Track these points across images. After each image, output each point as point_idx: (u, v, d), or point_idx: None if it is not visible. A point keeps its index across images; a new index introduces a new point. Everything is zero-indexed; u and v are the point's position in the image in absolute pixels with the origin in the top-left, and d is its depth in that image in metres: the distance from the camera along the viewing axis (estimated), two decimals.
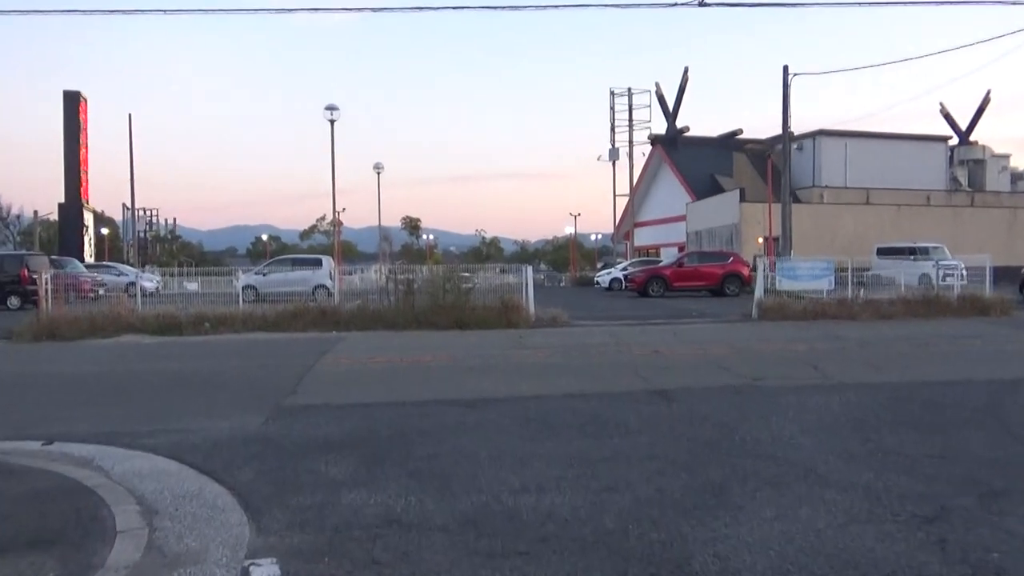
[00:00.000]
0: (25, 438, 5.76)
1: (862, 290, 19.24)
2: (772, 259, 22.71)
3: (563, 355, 10.87)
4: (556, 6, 14.06)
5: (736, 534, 3.61)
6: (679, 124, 51.66)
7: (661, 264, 32.91)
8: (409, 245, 78.82)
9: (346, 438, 5.73)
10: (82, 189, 42.04)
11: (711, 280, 27.28)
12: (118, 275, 29.73)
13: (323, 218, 75.82)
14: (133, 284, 20.97)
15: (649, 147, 53.67)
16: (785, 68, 27.78)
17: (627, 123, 52.07)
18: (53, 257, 27.49)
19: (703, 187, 47.55)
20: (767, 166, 38.24)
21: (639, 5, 13.89)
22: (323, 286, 22.14)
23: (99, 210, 55.36)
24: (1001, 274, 21.43)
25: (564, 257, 76.64)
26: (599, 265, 53.49)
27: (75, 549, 3.46)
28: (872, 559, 3.30)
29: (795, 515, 3.87)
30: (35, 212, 57.73)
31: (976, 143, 52.25)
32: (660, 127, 52.40)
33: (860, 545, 3.45)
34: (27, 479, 4.59)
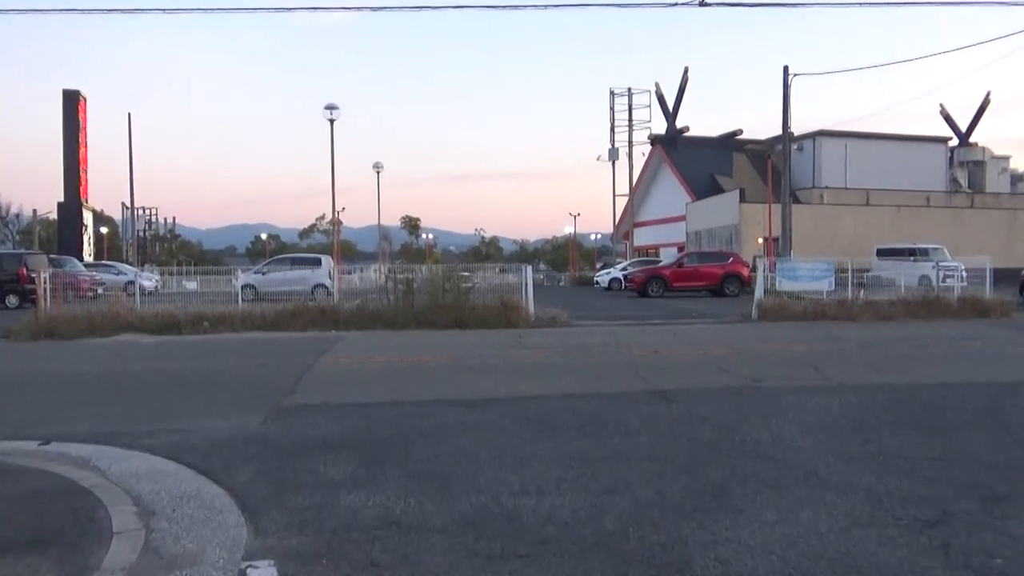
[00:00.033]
0: (23, 438, 5.74)
1: (862, 291, 19.19)
2: (772, 260, 22.70)
3: (563, 355, 10.86)
4: (556, 6, 14.06)
5: (737, 537, 3.59)
6: (679, 124, 51.64)
7: (661, 264, 32.89)
8: (408, 244, 78.84)
9: (345, 438, 5.70)
10: (81, 188, 42.06)
11: (711, 280, 27.27)
12: (117, 274, 29.76)
13: (322, 217, 76.08)
14: (132, 283, 20.90)
15: (649, 147, 53.68)
16: (785, 68, 27.78)
17: (627, 123, 52.14)
18: (52, 256, 27.45)
19: (703, 187, 47.54)
20: (767, 166, 38.25)
21: (639, 5, 13.89)
22: (322, 285, 22.11)
23: (98, 209, 55.45)
24: (1001, 276, 21.39)
25: (564, 257, 76.65)
26: (598, 265, 53.48)
27: (72, 550, 3.44)
28: (875, 564, 3.28)
29: (796, 518, 3.85)
30: (34, 211, 57.90)
31: (976, 144, 52.22)
32: (660, 127, 52.49)
33: (863, 549, 3.43)
34: (24, 479, 4.58)
